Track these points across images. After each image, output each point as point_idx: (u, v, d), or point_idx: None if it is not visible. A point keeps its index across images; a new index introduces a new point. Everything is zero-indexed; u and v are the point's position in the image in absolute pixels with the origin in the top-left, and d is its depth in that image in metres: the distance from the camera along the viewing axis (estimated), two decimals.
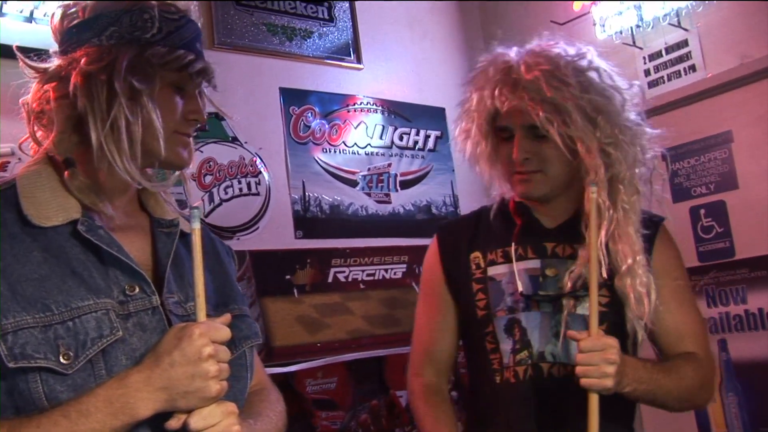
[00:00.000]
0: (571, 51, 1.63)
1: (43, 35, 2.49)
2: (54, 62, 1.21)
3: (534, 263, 1.61)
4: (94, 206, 1.18)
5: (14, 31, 2.58)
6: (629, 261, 1.54)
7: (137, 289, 1.16)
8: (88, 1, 1.20)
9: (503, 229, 1.67)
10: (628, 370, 1.42)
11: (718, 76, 3.18)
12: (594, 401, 1.40)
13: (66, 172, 1.17)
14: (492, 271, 1.63)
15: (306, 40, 3.55)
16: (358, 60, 3.70)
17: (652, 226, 1.65)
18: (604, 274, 1.52)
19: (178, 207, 1.38)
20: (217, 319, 1.16)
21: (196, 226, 1.15)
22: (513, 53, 1.67)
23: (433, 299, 1.75)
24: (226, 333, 1.13)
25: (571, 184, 1.64)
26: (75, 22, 1.20)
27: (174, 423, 1.07)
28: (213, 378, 1.07)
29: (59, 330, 1.07)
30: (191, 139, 1.28)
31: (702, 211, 3.29)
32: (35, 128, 1.21)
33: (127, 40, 1.16)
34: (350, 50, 3.70)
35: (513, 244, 1.62)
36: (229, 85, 3.26)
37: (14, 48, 1.26)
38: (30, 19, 2.66)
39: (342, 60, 3.66)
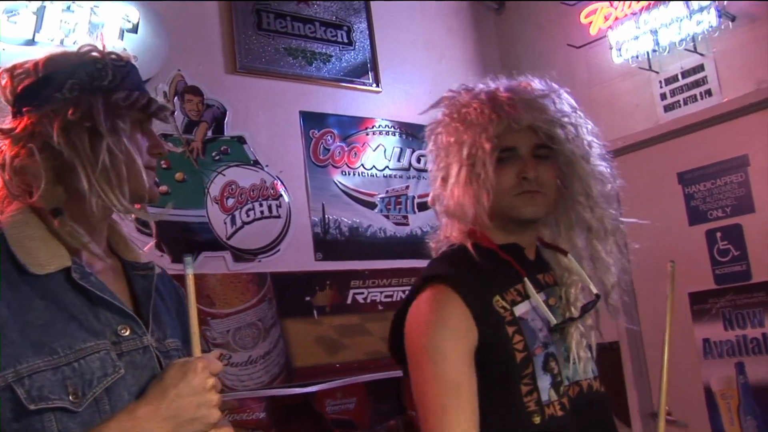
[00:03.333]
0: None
1: None
2: (9, 119, 1.27)
3: (541, 296, 1.60)
4: (85, 248, 1.23)
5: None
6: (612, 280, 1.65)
7: (129, 330, 1.23)
8: (38, 60, 1.26)
9: (501, 269, 1.59)
10: None
11: (734, 101, 3.22)
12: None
13: (56, 221, 1.22)
14: (518, 311, 1.55)
15: (325, 64, 3.61)
16: (377, 83, 3.76)
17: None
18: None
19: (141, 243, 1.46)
20: (211, 353, 1.28)
21: (190, 272, 1.23)
22: (500, 84, 1.64)
23: (459, 359, 1.50)
24: (220, 366, 1.23)
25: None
26: (28, 81, 1.25)
27: None
28: (215, 406, 1.18)
29: (66, 371, 1.13)
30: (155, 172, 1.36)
31: (718, 234, 3.30)
32: (15, 184, 1.24)
33: (88, 89, 1.22)
34: (369, 73, 3.75)
35: (526, 279, 1.57)
36: (250, 109, 3.32)
37: None
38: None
39: (361, 83, 3.72)
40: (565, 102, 1.61)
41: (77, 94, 1.22)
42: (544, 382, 1.53)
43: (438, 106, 1.70)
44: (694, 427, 3.35)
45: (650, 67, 3.46)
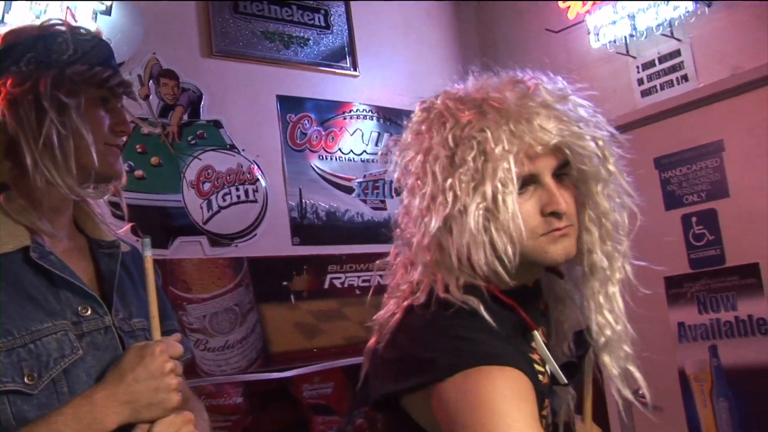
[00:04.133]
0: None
1: None
2: None
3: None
4: (33, 226, 1.22)
5: None
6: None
7: (90, 310, 1.23)
8: (1, 33, 1.26)
9: (513, 324, 1.22)
10: None
11: (709, 86, 3.24)
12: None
13: (1, 197, 1.21)
14: (543, 378, 1.23)
15: (303, 48, 3.59)
16: (354, 67, 3.75)
17: None
18: None
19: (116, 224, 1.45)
20: (170, 337, 1.25)
21: (148, 254, 1.24)
22: (513, 77, 1.26)
23: None
24: (181, 349, 1.23)
25: None
26: None
27: None
28: (173, 390, 1.17)
29: (21, 353, 1.12)
30: (120, 151, 1.34)
31: (694, 219, 3.34)
32: None
33: (45, 63, 1.22)
34: (346, 57, 3.74)
35: (536, 334, 1.22)
36: (227, 93, 3.30)
37: None
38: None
39: (338, 67, 3.71)
40: (584, 108, 1.26)
41: (32, 68, 1.21)
42: None
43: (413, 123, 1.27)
44: (669, 411, 3.39)
45: (627, 52, 3.47)
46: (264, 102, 3.44)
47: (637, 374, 1.34)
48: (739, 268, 3.18)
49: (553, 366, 1.21)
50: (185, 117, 3.17)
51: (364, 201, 3.65)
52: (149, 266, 1.24)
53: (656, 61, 3.41)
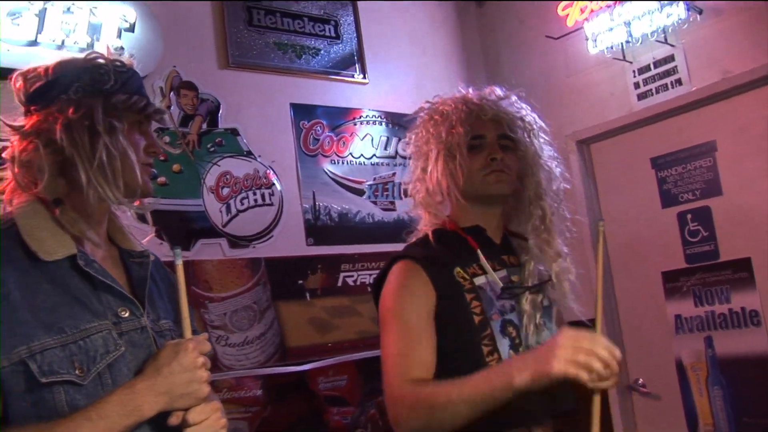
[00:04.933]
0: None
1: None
2: (21, 118, 1.41)
3: (503, 273, 1.84)
4: (83, 236, 1.39)
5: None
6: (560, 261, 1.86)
7: (128, 312, 1.39)
8: (49, 65, 1.41)
9: (463, 248, 1.84)
10: None
11: (702, 90, 3.37)
12: (598, 401, 1.61)
13: (56, 210, 1.37)
14: (477, 281, 1.80)
15: (314, 57, 3.76)
16: (363, 75, 3.91)
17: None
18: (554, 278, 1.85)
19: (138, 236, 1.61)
20: (200, 335, 1.40)
21: (179, 262, 1.40)
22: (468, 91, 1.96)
23: (416, 316, 1.74)
24: (209, 346, 1.39)
25: (506, 200, 1.94)
26: (39, 84, 1.40)
27: (174, 419, 1.31)
28: (204, 382, 1.33)
29: (73, 348, 1.28)
30: (150, 169, 1.51)
31: (689, 216, 3.48)
32: (22, 176, 1.39)
33: (90, 92, 1.38)
34: (356, 66, 3.90)
35: (481, 255, 1.82)
36: (243, 102, 3.47)
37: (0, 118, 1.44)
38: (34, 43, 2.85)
39: (348, 75, 3.87)
40: (523, 104, 1.92)
41: (81, 96, 1.37)
42: (503, 345, 1.75)
43: (418, 113, 1.98)
44: (666, 399, 3.54)
45: (624, 57, 3.60)
46: (278, 110, 3.59)
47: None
48: (732, 263, 3.31)
49: (492, 275, 1.79)
50: (204, 126, 3.33)
51: (375, 202, 3.81)
52: (180, 273, 1.40)
53: (651, 66, 3.55)
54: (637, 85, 3.62)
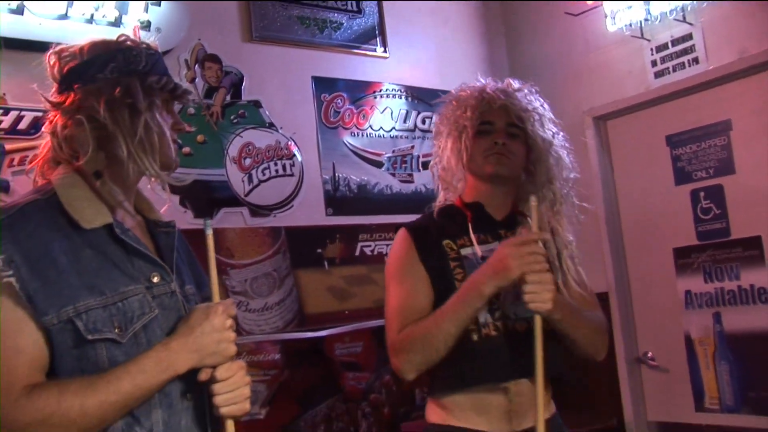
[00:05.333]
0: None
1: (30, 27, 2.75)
2: (54, 93, 1.50)
3: (494, 245, 1.98)
4: (119, 206, 1.48)
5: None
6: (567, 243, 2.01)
7: (158, 277, 1.49)
8: (83, 45, 1.49)
9: (462, 222, 2.03)
10: (560, 300, 1.86)
11: (718, 69, 3.39)
12: (539, 322, 1.81)
13: (97, 183, 1.47)
14: (464, 251, 2.00)
15: (336, 31, 3.82)
16: (384, 49, 3.97)
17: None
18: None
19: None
20: (228, 300, 1.49)
21: (209, 232, 1.52)
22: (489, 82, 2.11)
23: (410, 278, 1.98)
24: (235, 310, 1.50)
25: (513, 183, 2.07)
26: (74, 63, 1.48)
27: (204, 375, 1.42)
28: (232, 342, 1.45)
29: (113, 309, 1.39)
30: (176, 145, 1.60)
31: (702, 194, 3.52)
32: (63, 149, 1.48)
33: (125, 72, 1.46)
34: (377, 39, 3.96)
35: (471, 229, 2.01)
36: (266, 75, 3.55)
37: (35, 87, 1.53)
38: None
39: (369, 49, 3.93)
40: (536, 98, 2.06)
41: (117, 76, 1.45)
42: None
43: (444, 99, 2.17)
44: (674, 372, 3.62)
45: (642, 35, 3.62)
46: (300, 83, 3.67)
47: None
48: (742, 241, 3.36)
49: (475, 247, 1.98)
50: (228, 98, 3.42)
51: (393, 174, 3.89)
52: (210, 242, 1.51)
53: (669, 44, 3.57)
54: (654, 63, 3.65)
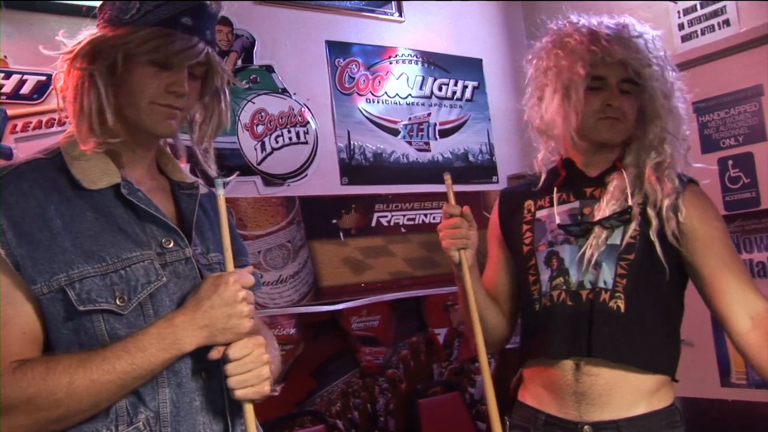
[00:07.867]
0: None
1: None
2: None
3: (574, 205, 1.83)
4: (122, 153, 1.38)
5: None
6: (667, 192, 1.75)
7: (172, 243, 1.36)
8: None
9: (551, 181, 1.89)
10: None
11: (751, 31, 3.25)
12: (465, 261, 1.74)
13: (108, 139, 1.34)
14: (539, 214, 1.87)
15: None
16: (400, 13, 3.83)
17: (681, 184, 1.79)
18: (634, 207, 1.75)
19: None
20: (243, 269, 1.36)
21: (221, 192, 1.36)
22: (602, 20, 1.81)
23: (493, 248, 2.00)
24: (252, 280, 1.35)
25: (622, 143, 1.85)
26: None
27: (215, 354, 1.29)
28: (245, 317, 1.29)
29: (114, 278, 1.27)
30: (175, 110, 1.39)
31: (730, 162, 3.41)
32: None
33: (113, 22, 1.33)
34: (392, 3, 3.82)
35: (555, 189, 1.85)
36: (278, 39, 3.42)
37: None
38: None
39: (384, 13, 3.80)
40: (658, 46, 1.78)
41: (104, 26, 1.34)
42: (545, 275, 1.80)
43: (543, 36, 1.88)
44: (700, 346, 3.52)
45: None
46: (314, 47, 3.54)
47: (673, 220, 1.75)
48: None
49: (554, 210, 1.82)
50: (239, 62, 3.29)
51: (409, 143, 3.77)
52: (222, 203, 1.36)
53: (698, 6, 3.44)
54: (681, 27, 3.52)
